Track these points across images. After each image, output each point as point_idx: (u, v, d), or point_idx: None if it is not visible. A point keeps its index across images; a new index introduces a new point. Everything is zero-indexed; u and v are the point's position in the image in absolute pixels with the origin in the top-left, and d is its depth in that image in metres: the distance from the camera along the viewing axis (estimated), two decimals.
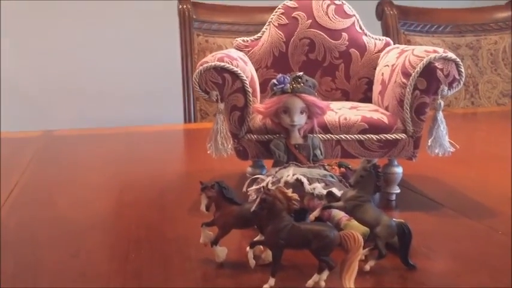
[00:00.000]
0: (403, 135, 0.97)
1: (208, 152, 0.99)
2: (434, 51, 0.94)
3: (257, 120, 0.97)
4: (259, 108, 0.93)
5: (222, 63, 0.95)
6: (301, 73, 0.91)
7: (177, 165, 1.43)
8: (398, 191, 1.02)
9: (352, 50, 1.12)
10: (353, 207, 0.74)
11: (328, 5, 1.12)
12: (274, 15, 1.13)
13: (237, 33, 1.87)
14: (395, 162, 1.02)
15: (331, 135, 0.97)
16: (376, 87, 1.08)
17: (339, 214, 0.82)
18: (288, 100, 0.90)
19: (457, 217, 0.95)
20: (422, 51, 0.96)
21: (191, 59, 1.92)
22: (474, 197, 1.05)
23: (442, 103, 0.96)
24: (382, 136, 0.97)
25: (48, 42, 2.68)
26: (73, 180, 1.22)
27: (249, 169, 1.03)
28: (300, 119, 0.91)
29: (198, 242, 0.77)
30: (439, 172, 1.19)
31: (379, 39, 1.13)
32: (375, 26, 1.93)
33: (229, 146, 0.98)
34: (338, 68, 1.13)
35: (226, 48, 1.14)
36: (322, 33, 1.12)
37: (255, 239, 0.74)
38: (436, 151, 0.98)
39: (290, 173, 0.86)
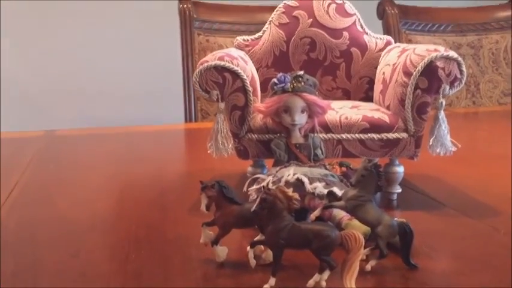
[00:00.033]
0: (404, 135, 0.97)
1: (208, 151, 0.99)
2: (436, 50, 0.93)
3: (258, 119, 0.97)
4: (260, 107, 0.93)
5: (223, 63, 0.94)
6: (301, 72, 0.91)
7: (178, 165, 1.42)
8: (400, 190, 1.02)
9: (353, 49, 1.11)
10: (354, 207, 0.73)
11: (329, 4, 1.12)
12: (274, 14, 1.13)
13: (237, 33, 1.85)
14: (397, 162, 1.02)
15: (332, 135, 0.96)
16: (377, 87, 1.07)
17: (340, 214, 0.81)
18: (289, 99, 0.90)
19: (458, 217, 0.95)
20: (423, 50, 0.95)
21: (192, 58, 1.91)
22: (476, 196, 1.05)
23: (444, 102, 0.96)
24: (384, 135, 0.96)
25: (48, 42, 2.68)
26: (73, 180, 1.22)
27: (250, 169, 1.02)
28: (300, 118, 0.90)
29: (199, 242, 0.76)
30: (440, 172, 1.19)
31: (380, 38, 1.12)
32: (375, 26, 1.92)
33: (230, 145, 0.98)
34: (339, 67, 1.12)
35: (227, 47, 1.13)
36: (323, 32, 1.11)
37: (256, 239, 0.74)
38: (438, 150, 0.97)
39: (291, 173, 0.86)
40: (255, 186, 0.88)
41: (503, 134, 1.58)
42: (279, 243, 0.67)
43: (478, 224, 0.91)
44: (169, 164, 1.38)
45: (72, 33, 2.69)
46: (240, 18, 1.98)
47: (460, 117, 1.95)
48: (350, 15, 1.12)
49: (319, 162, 0.91)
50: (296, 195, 0.68)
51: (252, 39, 1.13)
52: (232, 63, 0.95)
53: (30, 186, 1.16)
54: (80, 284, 0.72)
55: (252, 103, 0.97)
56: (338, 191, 0.79)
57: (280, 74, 0.91)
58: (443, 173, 1.18)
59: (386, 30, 2.08)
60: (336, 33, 1.11)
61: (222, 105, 0.96)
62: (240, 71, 0.95)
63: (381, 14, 2.12)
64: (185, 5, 1.96)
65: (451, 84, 0.94)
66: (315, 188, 0.84)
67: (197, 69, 0.95)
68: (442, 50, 0.93)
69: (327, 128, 0.96)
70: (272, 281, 0.67)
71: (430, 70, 0.93)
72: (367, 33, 1.12)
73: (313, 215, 0.76)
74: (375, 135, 0.96)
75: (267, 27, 1.13)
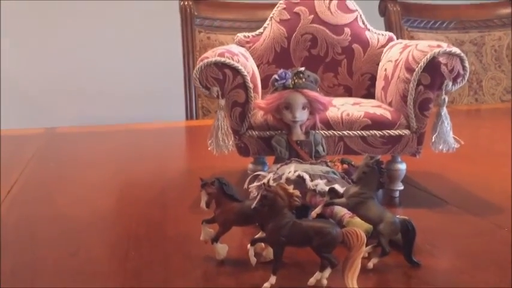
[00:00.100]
0: (406, 131, 0.96)
1: (209, 148, 0.98)
2: (438, 46, 0.93)
3: (258, 116, 0.96)
4: (261, 104, 0.93)
5: (223, 59, 0.94)
6: (303, 68, 0.90)
7: (179, 163, 1.42)
8: (402, 187, 1.01)
9: (354, 45, 1.11)
10: (356, 204, 0.73)
11: (331, 0, 1.11)
12: (276, 10, 1.13)
13: (239, 30, 1.85)
14: (399, 159, 1.01)
15: (334, 132, 0.96)
16: (379, 83, 1.07)
17: (342, 211, 0.81)
18: (290, 96, 0.89)
19: (461, 214, 0.94)
20: (426, 46, 0.94)
21: (193, 56, 1.91)
22: (479, 193, 1.04)
23: (446, 99, 0.95)
24: (385, 132, 0.96)
25: (48, 42, 2.68)
26: (73, 178, 1.21)
27: (251, 166, 1.02)
28: (301, 115, 0.90)
29: (199, 240, 0.76)
30: (443, 169, 1.18)
31: (382, 35, 1.12)
32: (377, 23, 1.91)
33: (230, 142, 0.97)
34: (340, 63, 1.12)
35: (228, 45, 1.13)
36: (325, 29, 1.11)
37: (256, 236, 0.73)
38: (440, 147, 0.97)
39: (292, 170, 0.85)
40: (255, 184, 0.87)
41: (506, 131, 1.57)
42: (280, 240, 0.66)
43: (480, 222, 0.90)
44: (170, 161, 1.38)
45: (72, 33, 2.69)
46: (241, 15, 1.98)
47: (462, 114, 1.94)
48: (352, 11, 1.11)
49: (321, 159, 0.90)
50: (297, 192, 0.68)
51: (253, 36, 1.12)
52: (233, 60, 0.94)
53: (30, 184, 1.15)
54: (79, 283, 0.71)
55: (252, 100, 0.97)
56: (339, 188, 0.79)
57: (281, 70, 0.90)
58: (446, 170, 1.18)
59: (388, 28, 2.07)
60: (337, 29, 1.11)
61: (222, 101, 0.96)
62: (240, 67, 0.95)
63: (383, 11, 2.12)
64: (186, 3, 1.95)
65: (454, 81, 0.93)
66: (316, 185, 0.83)
67: (197, 66, 0.94)
68: (445, 46, 0.92)
69: (328, 124, 0.95)
70: (273, 279, 0.66)
71: (432, 66, 0.92)
72: (369, 30, 1.12)
73: (314, 212, 0.76)
74: (376, 132, 0.96)
75: (268, 24, 1.12)
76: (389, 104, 1.00)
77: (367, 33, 1.11)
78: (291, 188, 0.68)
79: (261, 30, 1.13)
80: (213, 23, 1.96)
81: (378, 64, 1.09)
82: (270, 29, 1.12)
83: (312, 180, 0.84)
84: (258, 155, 0.99)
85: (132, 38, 2.71)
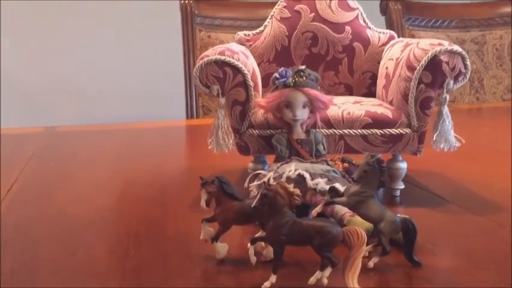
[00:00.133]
0: (407, 130, 0.96)
1: (209, 147, 0.98)
2: (440, 44, 0.92)
3: (259, 115, 0.96)
4: (261, 102, 0.92)
5: (223, 57, 0.93)
6: (303, 67, 0.90)
7: (179, 162, 1.42)
8: (403, 186, 1.01)
9: (355, 43, 1.10)
10: (356, 203, 0.73)
11: None
12: (276, 8, 1.12)
13: (239, 29, 1.83)
14: (400, 158, 1.01)
15: (334, 130, 0.95)
16: (380, 82, 1.06)
17: (342, 210, 0.80)
18: (290, 94, 0.89)
19: (462, 213, 0.94)
20: (427, 44, 0.94)
21: (193, 54, 1.90)
22: (480, 192, 1.04)
23: (448, 97, 0.95)
24: (386, 131, 0.95)
25: (48, 42, 2.67)
26: (73, 177, 1.21)
27: (251, 164, 1.02)
28: (302, 114, 0.90)
29: (199, 239, 0.76)
30: (444, 168, 1.18)
31: (383, 33, 1.11)
32: (378, 21, 1.91)
33: (231, 141, 0.97)
34: (341, 62, 1.11)
35: (229, 43, 1.13)
36: (325, 27, 1.10)
37: (256, 235, 0.73)
38: (442, 146, 0.96)
39: (292, 168, 0.85)
40: (256, 182, 0.87)
41: (507, 130, 1.56)
42: (280, 239, 0.66)
43: (482, 221, 0.90)
44: (170, 160, 1.37)
45: (72, 33, 2.68)
46: (241, 14, 1.97)
47: (463, 113, 1.93)
48: (352, 9, 1.11)
49: (321, 158, 0.90)
50: (297, 191, 0.67)
51: (254, 34, 1.12)
52: (233, 58, 0.94)
53: (30, 183, 1.15)
54: (79, 282, 0.71)
55: (253, 98, 0.96)
56: (340, 187, 0.78)
57: (282, 68, 0.90)
58: (447, 169, 1.17)
59: (390, 26, 2.06)
60: (338, 27, 1.10)
61: (222, 100, 0.95)
62: (240, 65, 0.94)
63: (384, 9, 2.11)
64: (186, 1, 1.95)
65: (455, 79, 0.93)
66: (316, 184, 0.83)
67: (197, 64, 0.94)
68: (446, 44, 0.92)
69: (329, 123, 0.95)
70: (273, 278, 0.66)
71: (434, 64, 0.92)
72: (369, 28, 1.11)
73: (314, 211, 0.75)
74: (377, 131, 0.95)
75: (268, 22, 1.12)
76: (390, 103, 1.00)
77: (368, 31, 1.11)
78: (291, 187, 0.68)
79: (261, 28, 1.12)
80: (214, 22, 1.95)
81: (378, 62, 1.09)
82: (271, 27, 1.11)
83: (312, 179, 0.84)
84: (259, 153, 0.98)
85: (132, 37, 2.71)
